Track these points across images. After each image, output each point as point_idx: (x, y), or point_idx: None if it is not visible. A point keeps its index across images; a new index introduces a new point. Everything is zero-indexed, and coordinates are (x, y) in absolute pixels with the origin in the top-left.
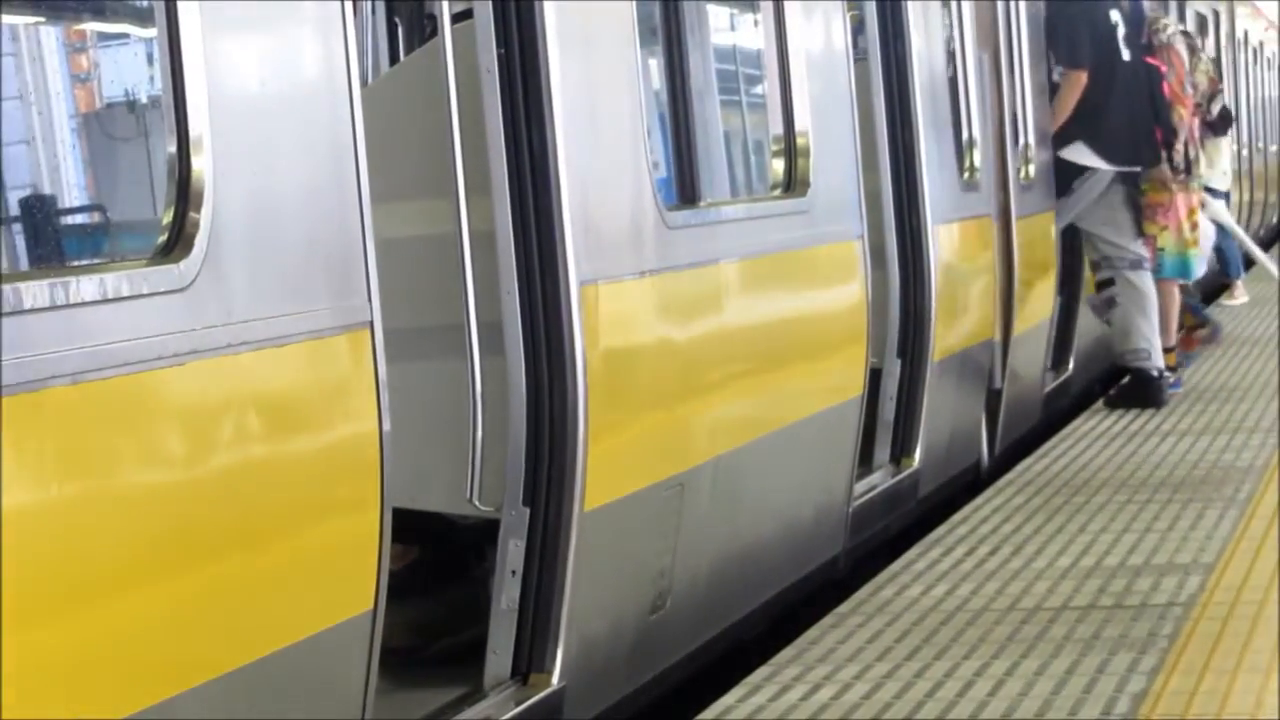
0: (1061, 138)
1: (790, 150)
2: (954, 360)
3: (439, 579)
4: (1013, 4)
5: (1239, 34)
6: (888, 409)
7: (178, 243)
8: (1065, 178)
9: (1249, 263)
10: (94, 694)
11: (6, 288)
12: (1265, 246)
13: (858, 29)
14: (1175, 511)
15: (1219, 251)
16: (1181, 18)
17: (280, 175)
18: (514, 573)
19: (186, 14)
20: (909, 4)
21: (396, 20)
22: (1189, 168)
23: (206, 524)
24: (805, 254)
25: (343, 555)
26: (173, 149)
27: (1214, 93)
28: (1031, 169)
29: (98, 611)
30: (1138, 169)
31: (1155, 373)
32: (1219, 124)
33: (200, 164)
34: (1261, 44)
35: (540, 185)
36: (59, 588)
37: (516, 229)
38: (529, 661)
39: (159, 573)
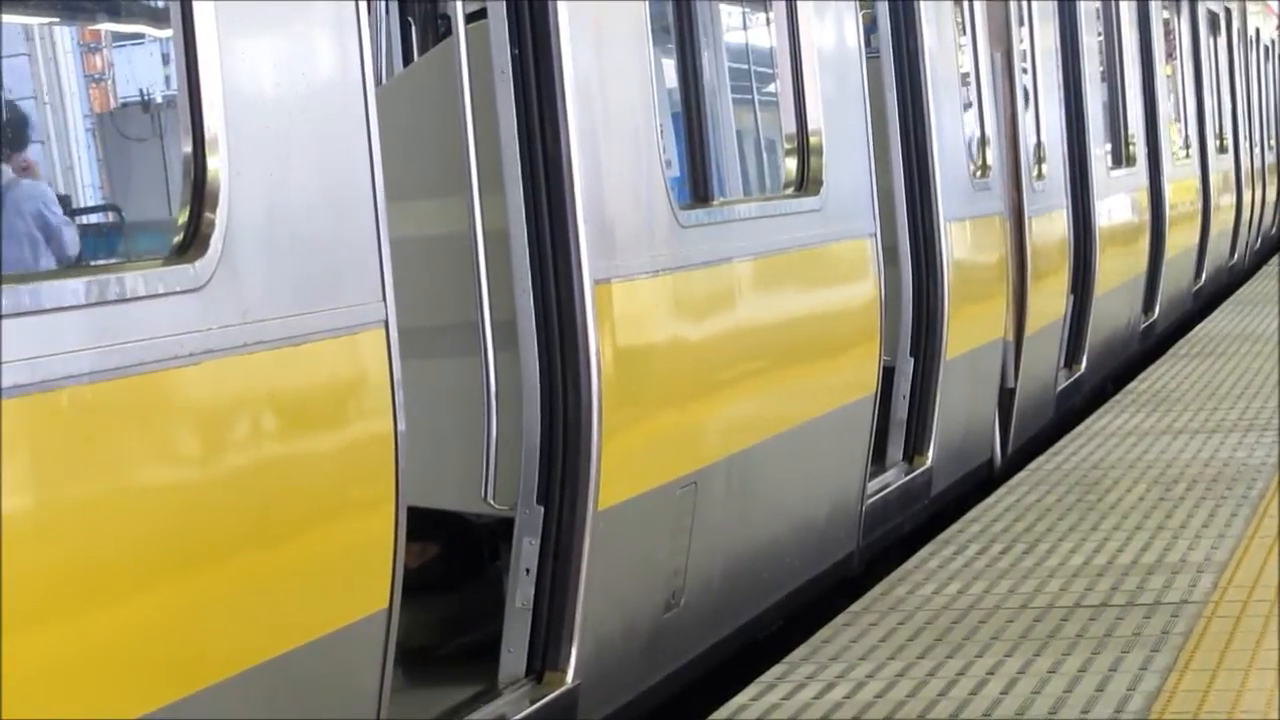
0: None
1: (803, 149)
2: (967, 358)
3: (454, 577)
4: (1025, 2)
5: (1250, 32)
6: (900, 407)
7: (193, 242)
8: None
9: (1265, 256)
10: (111, 691)
11: (22, 287)
12: (1271, 249)
13: (870, 27)
14: (1188, 510)
15: None
16: (1193, 16)
17: (295, 175)
18: (528, 571)
19: (202, 14)
20: (921, 3)
21: (410, 20)
22: None
23: (222, 523)
24: (818, 252)
25: (358, 554)
26: (188, 149)
27: None
28: (1044, 167)
29: (113, 610)
30: None
31: None
32: None
33: (216, 164)
34: (1274, 42)
35: (554, 184)
36: (75, 586)
37: (530, 228)
38: (544, 660)
39: (174, 571)
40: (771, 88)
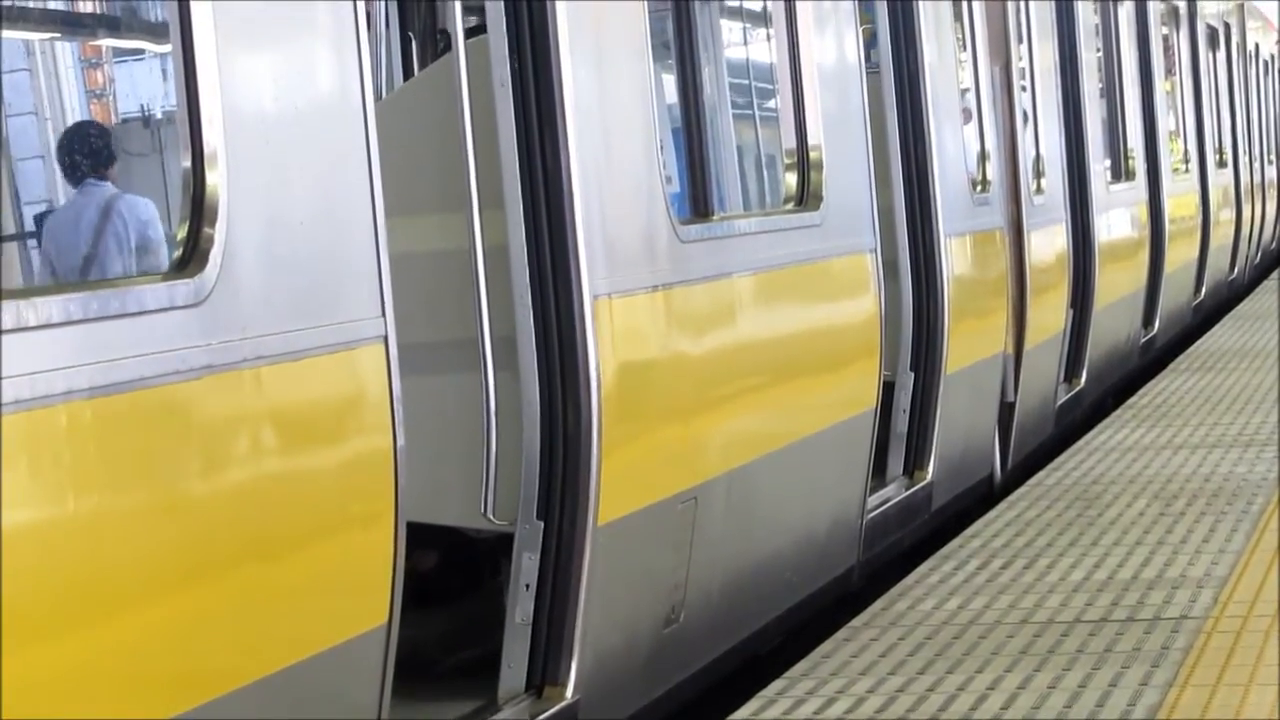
0: None
1: (803, 164)
2: (967, 373)
3: (454, 593)
4: (1024, 16)
5: (1250, 47)
6: (901, 422)
7: (193, 258)
8: None
9: (1264, 270)
10: (111, 705)
11: (23, 303)
12: (1271, 264)
13: (870, 42)
14: (1188, 525)
15: None
16: (1192, 31)
17: (295, 190)
18: (528, 586)
19: (201, 30)
20: (921, 18)
21: (410, 35)
22: None
23: (222, 538)
24: (818, 267)
25: (358, 569)
26: (188, 164)
27: None
28: (1043, 182)
29: (114, 625)
30: None
31: None
32: None
33: (215, 179)
34: (1273, 57)
35: (554, 199)
36: (75, 600)
37: (530, 243)
38: (543, 675)
39: (175, 587)
40: (772, 103)
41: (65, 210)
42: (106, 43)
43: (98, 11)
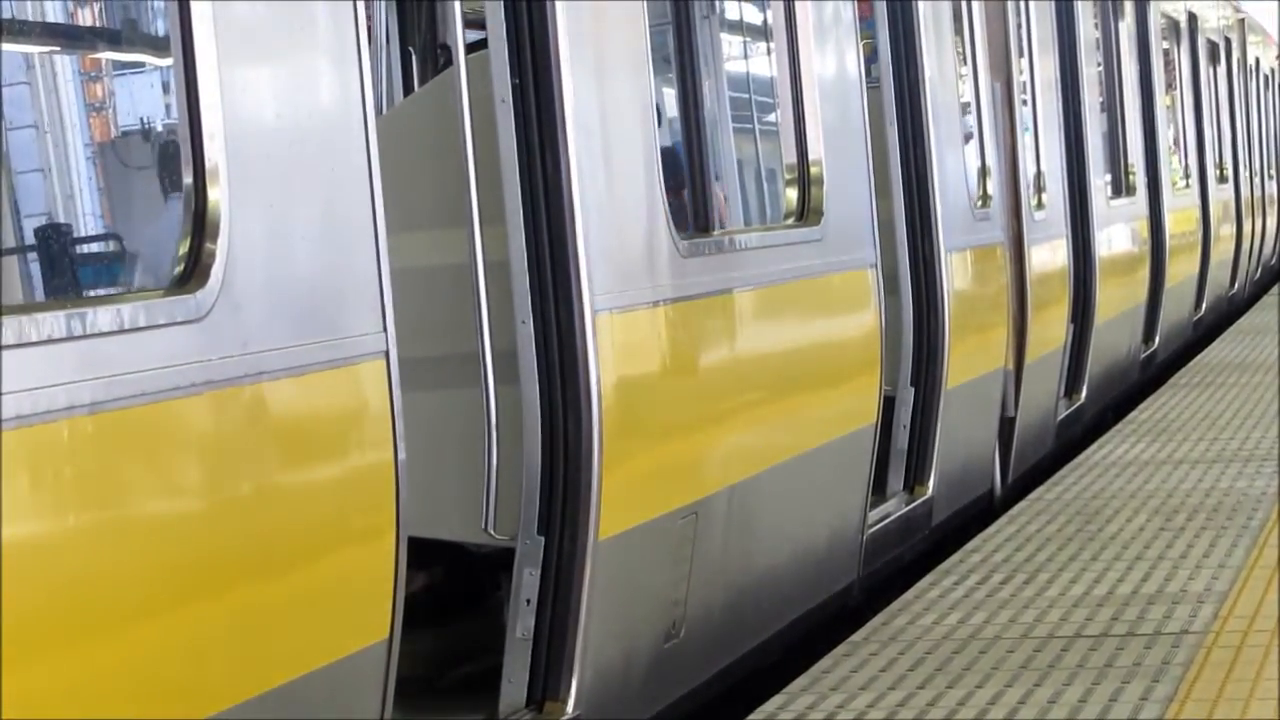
0: None
1: (804, 178)
2: (967, 388)
3: (454, 608)
4: (1024, 30)
5: (1250, 62)
6: (901, 437)
7: (194, 273)
8: None
9: (1265, 285)
10: None
11: (24, 318)
12: (1271, 279)
13: (871, 57)
14: (1188, 540)
15: None
16: (1193, 46)
17: (296, 205)
18: (529, 602)
19: (202, 46)
20: (922, 32)
21: (410, 50)
22: None
23: (222, 553)
24: (819, 282)
25: (358, 584)
26: (189, 180)
27: None
28: (1044, 197)
29: (113, 641)
30: None
31: None
32: None
33: (216, 195)
34: (1273, 71)
35: (555, 214)
36: (75, 617)
37: (531, 258)
38: (544, 690)
39: (174, 602)
40: (772, 117)
41: (166, 219)
42: (107, 56)
43: (98, 25)
